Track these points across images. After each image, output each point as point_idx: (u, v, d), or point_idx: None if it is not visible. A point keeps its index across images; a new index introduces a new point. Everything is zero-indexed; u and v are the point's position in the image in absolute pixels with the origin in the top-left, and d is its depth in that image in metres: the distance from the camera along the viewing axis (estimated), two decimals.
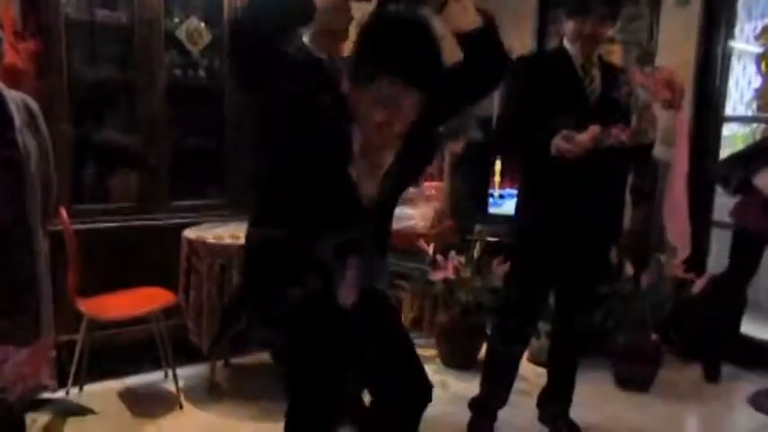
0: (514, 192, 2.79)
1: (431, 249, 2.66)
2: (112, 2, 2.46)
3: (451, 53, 1.04)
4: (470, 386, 2.16)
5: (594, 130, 1.63)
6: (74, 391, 2.20)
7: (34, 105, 1.66)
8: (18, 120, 1.57)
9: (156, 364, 2.38)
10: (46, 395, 1.21)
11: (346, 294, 1.15)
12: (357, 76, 1.04)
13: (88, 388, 2.24)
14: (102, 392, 2.27)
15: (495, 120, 2.32)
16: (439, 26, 1.03)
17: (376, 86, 1.01)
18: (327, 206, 1.10)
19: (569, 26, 1.81)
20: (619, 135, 1.64)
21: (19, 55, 2.05)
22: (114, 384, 2.35)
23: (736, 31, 2.81)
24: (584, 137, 1.63)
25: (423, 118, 1.06)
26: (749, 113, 2.85)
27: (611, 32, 1.98)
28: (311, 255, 1.10)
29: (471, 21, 1.03)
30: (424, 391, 1.24)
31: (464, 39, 1.05)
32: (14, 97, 1.60)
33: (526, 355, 2.59)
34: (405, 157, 1.13)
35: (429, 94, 1.02)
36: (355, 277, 1.15)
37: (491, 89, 1.17)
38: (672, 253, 2.57)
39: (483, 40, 1.05)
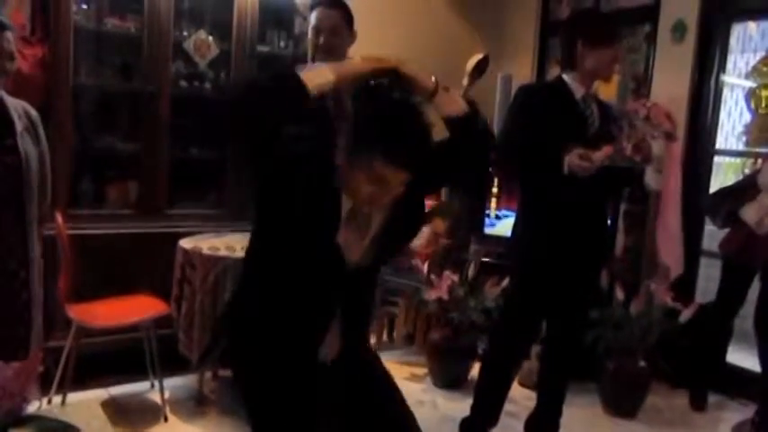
0: (510, 213, 2.83)
1: (426, 268, 2.68)
2: (122, 11, 2.49)
3: (440, 132, 1.16)
4: (460, 406, 2.16)
5: (609, 149, 1.71)
6: (56, 399, 2.16)
7: (34, 113, 1.67)
8: (19, 126, 1.58)
9: (142, 374, 2.35)
10: (30, 408, 1.19)
11: (326, 352, 1.20)
12: (350, 153, 1.09)
13: (72, 396, 2.21)
14: (85, 402, 2.23)
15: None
16: (429, 111, 1.12)
17: (368, 164, 1.07)
18: (312, 267, 1.14)
19: (595, 56, 1.81)
20: (633, 154, 1.71)
21: (25, 60, 2.07)
22: (98, 393, 2.31)
23: (730, 64, 2.89)
24: (600, 154, 1.69)
25: (411, 189, 1.13)
26: (740, 145, 2.92)
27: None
28: (294, 313, 1.15)
29: (458, 108, 1.15)
30: None
31: (451, 123, 1.15)
32: (15, 104, 1.62)
33: (517, 377, 2.60)
34: (392, 224, 1.18)
35: (417, 172, 1.10)
36: (336, 337, 1.20)
37: (476, 167, 1.28)
38: (664, 273, 2.61)
39: (468, 125, 1.17)
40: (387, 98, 1.11)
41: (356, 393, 1.23)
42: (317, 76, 1.06)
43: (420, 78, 1.12)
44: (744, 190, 2.47)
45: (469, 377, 2.62)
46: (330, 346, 1.19)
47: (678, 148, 2.70)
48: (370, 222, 1.16)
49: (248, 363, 1.18)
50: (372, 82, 1.12)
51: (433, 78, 1.14)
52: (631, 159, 1.71)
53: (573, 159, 1.69)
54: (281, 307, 1.15)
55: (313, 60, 1.76)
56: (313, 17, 1.74)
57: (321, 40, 1.64)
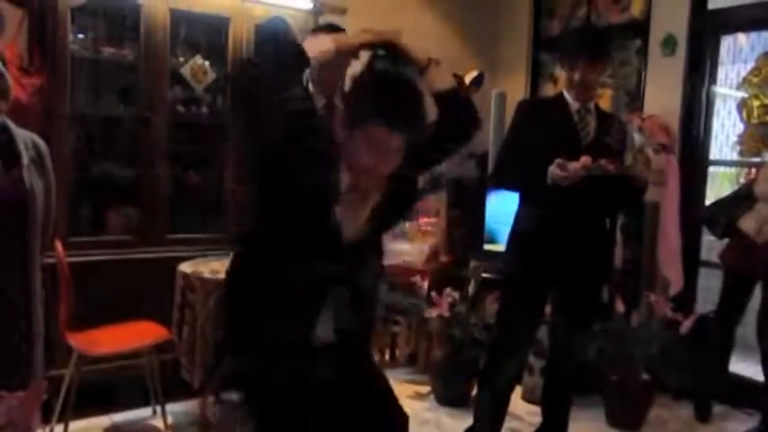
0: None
1: (426, 285, 2.68)
2: (119, 40, 2.51)
3: (430, 111, 1.20)
4: (465, 424, 2.15)
5: (586, 159, 1.78)
6: (58, 428, 2.14)
7: (43, 144, 1.66)
8: (26, 158, 1.58)
9: (144, 401, 2.34)
10: None
11: (320, 335, 1.19)
12: (349, 122, 1.12)
13: (74, 425, 2.18)
14: (87, 430, 2.22)
15: (493, 155, 2.39)
16: (421, 86, 1.17)
17: (366, 131, 1.10)
18: (309, 242, 1.16)
19: (563, 74, 1.95)
20: (606, 165, 1.79)
21: (23, 90, 2.08)
22: (101, 421, 2.29)
23: (721, 75, 2.94)
24: (577, 165, 1.77)
25: (404, 166, 1.17)
26: (734, 155, 2.95)
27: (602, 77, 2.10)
28: (289, 288, 1.16)
29: (445, 83, 1.23)
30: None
31: (440, 98, 1.21)
32: (23, 135, 1.61)
33: (520, 392, 2.59)
34: (388, 200, 1.21)
35: (412, 141, 1.13)
36: (329, 319, 1.20)
37: (463, 142, 1.32)
38: (663, 286, 2.63)
39: (456, 100, 1.22)
40: (384, 66, 1.14)
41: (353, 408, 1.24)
42: (317, 44, 1.12)
43: (414, 51, 1.18)
44: (741, 200, 2.50)
45: (473, 394, 2.60)
46: (323, 327, 1.19)
47: (675, 161, 2.74)
48: (368, 197, 1.19)
49: (251, 355, 1.19)
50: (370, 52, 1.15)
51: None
52: (605, 169, 1.78)
53: (553, 169, 1.77)
54: (277, 284, 1.16)
55: (316, 90, 1.78)
56: None
57: None
